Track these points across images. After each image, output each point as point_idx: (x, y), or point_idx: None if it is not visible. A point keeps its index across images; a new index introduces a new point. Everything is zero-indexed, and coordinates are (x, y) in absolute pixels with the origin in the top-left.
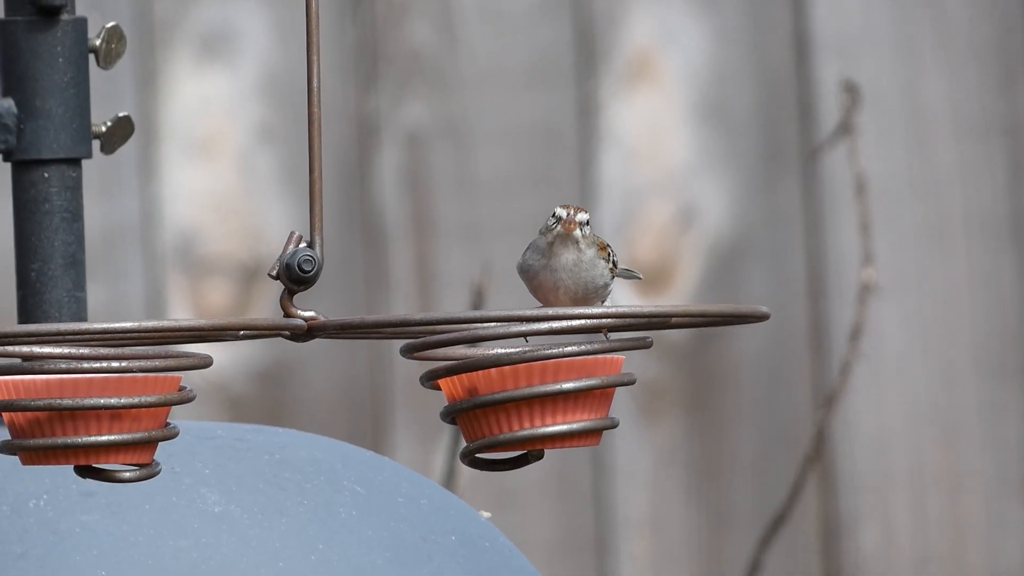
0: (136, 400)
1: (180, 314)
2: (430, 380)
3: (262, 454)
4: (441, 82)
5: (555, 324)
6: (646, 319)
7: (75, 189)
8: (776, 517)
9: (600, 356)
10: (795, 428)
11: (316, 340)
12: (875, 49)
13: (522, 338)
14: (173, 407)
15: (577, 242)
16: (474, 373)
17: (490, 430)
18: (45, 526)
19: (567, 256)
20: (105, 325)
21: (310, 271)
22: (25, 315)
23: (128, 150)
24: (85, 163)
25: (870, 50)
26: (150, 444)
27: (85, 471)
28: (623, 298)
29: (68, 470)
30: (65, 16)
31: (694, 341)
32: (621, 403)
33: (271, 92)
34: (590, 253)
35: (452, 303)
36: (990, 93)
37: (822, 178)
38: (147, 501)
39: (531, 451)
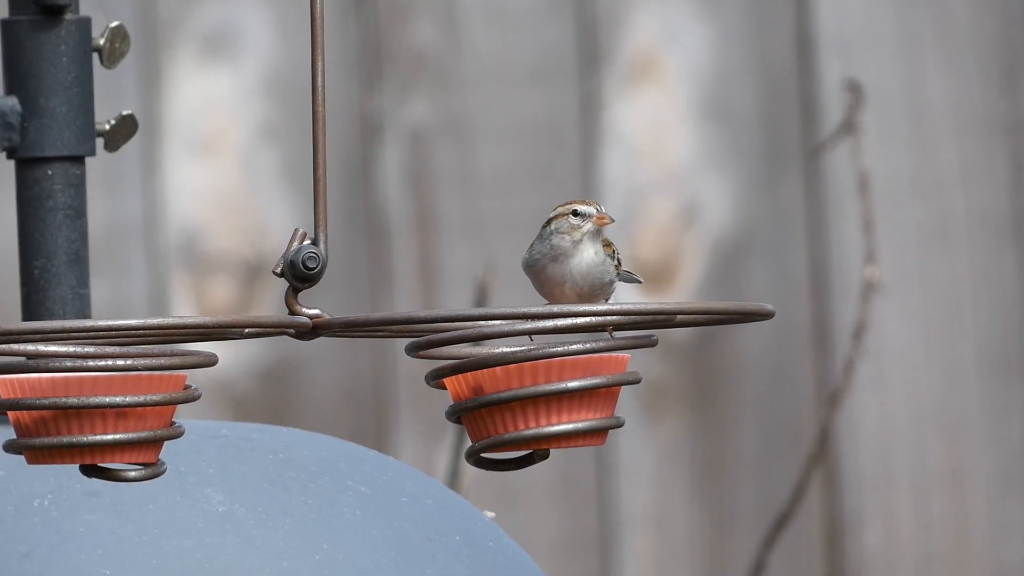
0: (141, 399)
1: (183, 312)
2: (435, 379)
3: (266, 453)
4: (444, 80)
5: (560, 322)
6: (651, 316)
7: (79, 187)
8: (780, 515)
9: (605, 354)
10: (798, 426)
11: (319, 338)
12: (877, 48)
13: (526, 336)
14: (177, 406)
15: (602, 237)
16: (479, 372)
17: (495, 429)
18: (50, 525)
19: (587, 252)
20: (109, 322)
21: (314, 268)
22: (29, 312)
23: (132, 148)
24: (89, 161)
25: (872, 49)
26: (155, 443)
27: (90, 470)
28: (626, 295)
29: (73, 469)
30: (69, 15)
31: (697, 339)
32: (624, 402)
33: (274, 90)
34: (601, 250)
35: (455, 300)
36: (992, 91)
37: (825, 176)
38: (151, 500)
39: (536, 450)
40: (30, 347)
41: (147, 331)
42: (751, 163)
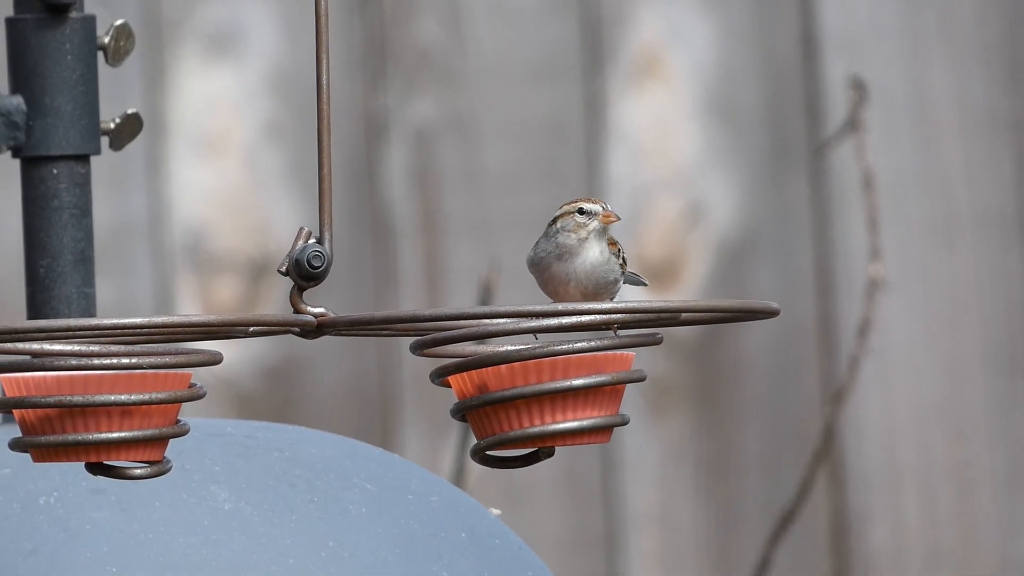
0: (147, 397)
1: (189, 310)
2: (440, 377)
3: (272, 451)
4: (449, 79)
5: (565, 320)
6: (656, 314)
7: (84, 185)
8: (785, 513)
9: (610, 352)
10: (804, 424)
11: (324, 336)
12: (882, 45)
13: (531, 334)
14: (183, 404)
15: (608, 236)
16: (484, 369)
17: (500, 427)
18: (55, 523)
19: (593, 251)
20: (115, 321)
21: (319, 267)
22: (34, 311)
23: (136, 147)
24: (94, 160)
25: (877, 46)
26: (161, 441)
27: (96, 468)
28: (631, 293)
29: (78, 467)
30: (74, 14)
31: (702, 337)
32: (629, 399)
33: (278, 89)
34: (606, 249)
35: (460, 298)
36: (997, 89)
37: (829, 174)
38: (157, 498)
39: (542, 448)
40: (35, 346)
41: (152, 329)
42: (756, 161)
